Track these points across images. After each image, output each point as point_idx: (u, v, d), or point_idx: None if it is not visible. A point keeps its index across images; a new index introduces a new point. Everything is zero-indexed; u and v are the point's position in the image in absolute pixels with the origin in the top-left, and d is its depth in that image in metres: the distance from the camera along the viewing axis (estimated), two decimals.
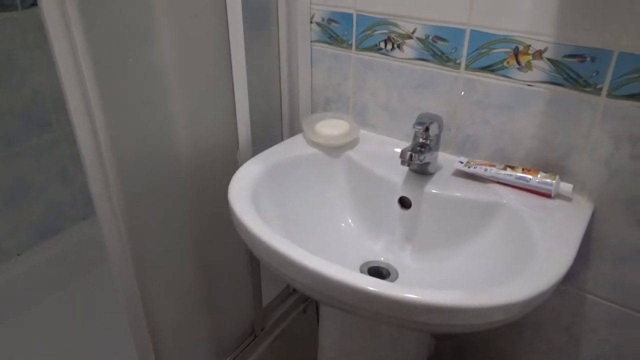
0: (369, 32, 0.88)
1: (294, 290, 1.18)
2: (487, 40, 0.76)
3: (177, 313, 0.87)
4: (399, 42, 0.85)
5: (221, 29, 0.77)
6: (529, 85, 0.75)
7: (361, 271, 0.79)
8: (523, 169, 0.77)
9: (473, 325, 0.56)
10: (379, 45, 0.87)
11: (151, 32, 0.67)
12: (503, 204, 0.74)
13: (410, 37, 0.83)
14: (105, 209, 0.67)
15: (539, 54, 0.73)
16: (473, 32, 0.77)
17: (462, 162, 0.82)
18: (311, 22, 0.94)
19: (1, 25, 1.14)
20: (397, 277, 0.79)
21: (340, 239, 0.85)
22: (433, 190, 0.80)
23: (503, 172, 0.78)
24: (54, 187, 1.35)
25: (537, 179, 0.75)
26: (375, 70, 0.90)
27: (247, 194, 0.74)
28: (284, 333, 1.13)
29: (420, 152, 0.76)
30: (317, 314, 1.21)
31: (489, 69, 0.78)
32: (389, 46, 0.86)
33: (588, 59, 0.69)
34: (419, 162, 0.76)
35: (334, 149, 0.89)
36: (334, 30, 0.92)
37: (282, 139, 1.02)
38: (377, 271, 0.80)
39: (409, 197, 0.82)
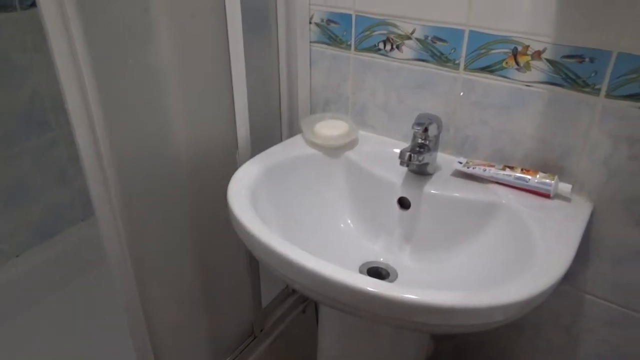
0: (368, 32, 0.88)
1: (294, 291, 1.18)
2: (486, 41, 0.76)
3: (177, 313, 0.87)
4: (398, 43, 0.85)
5: (220, 30, 0.77)
6: (527, 85, 0.75)
7: (360, 272, 0.79)
8: (522, 170, 0.77)
9: (472, 325, 0.56)
10: (378, 45, 0.88)
11: (150, 32, 0.67)
12: (502, 204, 0.74)
13: (409, 38, 0.83)
14: (104, 210, 0.67)
15: (537, 55, 0.73)
16: (472, 32, 0.77)
17: (461, 163, 0.82)
18: (310, 23, 0.94)
19: (0, 26, 1.14)
20: (396, 277, 0.79)
21: (339, 239, 0.85)
22: (432, 191, 0.80)
23: (502, 172, 0.78)
24: (53, 188, 1.35)
25: (536, 179, 0.75)
26: (374, 71, 0.90)
27: (246, 194, 0.74)
28: (283, 333, 1.13)
29: (419, 153, 0.76)
30: (317, 314, 1.21)
31: (487, 69, 0.78)
32: (388, 47, 0.86)
33: (587, 59, 0.69)
34: (418, 162, 0.76)
35: (333, 150, 0.89)
36: (333, 31, 0.92)
37: (281, 140, 1.02)
38: (377, 272, 0.80)
39: (408, 197, 0.82)
